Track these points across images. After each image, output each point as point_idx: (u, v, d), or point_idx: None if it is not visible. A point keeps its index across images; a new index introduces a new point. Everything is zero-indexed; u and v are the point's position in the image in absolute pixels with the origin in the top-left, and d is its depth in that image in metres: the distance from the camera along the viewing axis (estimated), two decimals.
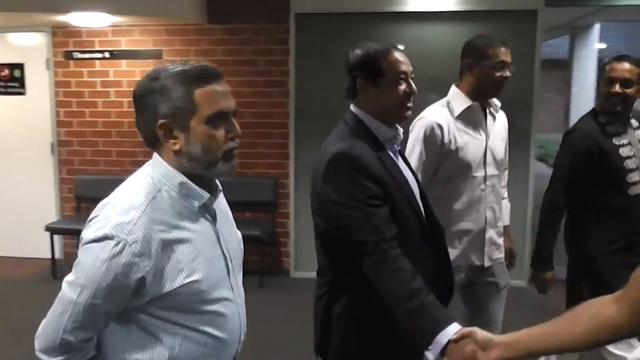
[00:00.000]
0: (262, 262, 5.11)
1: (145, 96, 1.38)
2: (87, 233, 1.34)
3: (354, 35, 4.84)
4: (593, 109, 2.80)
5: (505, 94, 2.53)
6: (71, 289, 1.34)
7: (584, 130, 2.71)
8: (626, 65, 2.64)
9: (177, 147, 1.38)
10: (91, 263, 1.31)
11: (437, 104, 2.57)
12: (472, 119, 2.51)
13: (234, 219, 1.66)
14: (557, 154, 2.84)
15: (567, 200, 2.75)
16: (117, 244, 1.29)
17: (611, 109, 2.68)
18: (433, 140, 2.44)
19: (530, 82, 4.85)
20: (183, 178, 1.40)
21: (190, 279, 1.37)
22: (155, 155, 1.43)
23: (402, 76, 1.86)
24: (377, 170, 1.78)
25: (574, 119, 10.83)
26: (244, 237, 1.67)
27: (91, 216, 1.38)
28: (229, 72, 4.94)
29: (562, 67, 11.36)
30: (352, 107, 1.92)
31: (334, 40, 5.03)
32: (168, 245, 1.35)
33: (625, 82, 2.63)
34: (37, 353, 1.41)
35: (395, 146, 1.96)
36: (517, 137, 4.90)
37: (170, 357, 1.41)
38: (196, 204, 1.42)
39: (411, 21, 5.00)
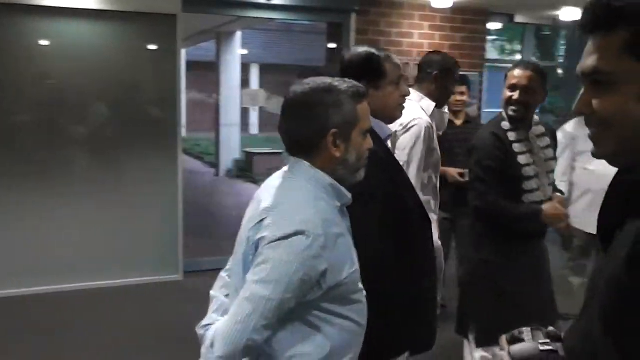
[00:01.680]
0: None
1: (316, 106, 1.48)
2: (271, 232, 1.39)
3: None
4: (500, 114, 2.76)
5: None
6: (263, 287, 1.36)
7: (490, 136, 2.69)
8: (527, 73, 2.61)
9: (338, 154, 1.50)
10: (284, 259, 1.36)
11: (414, 105, 2.73)
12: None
13: None
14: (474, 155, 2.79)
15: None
16: (307, 238, 1.37)
17: (512, 116, 2.64)
18: (428, 138, 2.71)
19: (174, 82, 5.10)
20: (332, 180, 1.52)
21: (352, 270, 1.49)
22: (299, 160, 1.52)
23: (400, 79, 2.07)
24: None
25: (223, 118, 11.81)
26: None
27: (259, 219, 1.44)
28: None
29: (213, 70, 12.13)
30: None
31: None
32: (336, 239, 1.44)
33: (526, 89, 2.59)
34: (215, 358, 1.39)
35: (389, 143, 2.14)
36: (164, 134, 5.15)
37: (331, 347, 1.47)
38: (339, 203, 1.53)
39: (47, 16, 4.76)
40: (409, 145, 2.68)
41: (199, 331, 1.60)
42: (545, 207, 2.59)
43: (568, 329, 1.00)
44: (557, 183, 3.88)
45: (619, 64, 0.83)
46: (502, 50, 19.32)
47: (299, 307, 1.43)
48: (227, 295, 1.66)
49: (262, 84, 18.66)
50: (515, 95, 2.60)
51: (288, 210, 1.44)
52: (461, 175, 3.99)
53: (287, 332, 1.46)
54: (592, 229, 3.50)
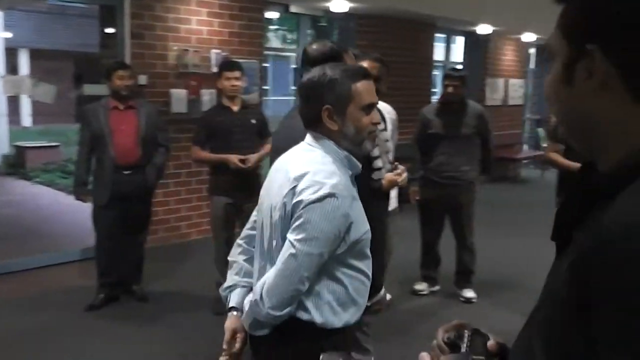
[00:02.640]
0: None
1: (313, 87, 1.75)
2: (306, 196, 1.62)
3: None
4: None
5: None
6: (305, 244, 1.61)
7: None
8: (374, 64, 3.05)
9: (335, 127, 1.74)
10: (320, 218, 1.60)
11: None
12: None
13: None
14: None
15: None
16: (336, 199, 1.61)
17: None
18: None
19: None
20: (346, 152, 1.75)
21: (366, 227, 1.75)
22: (318, 134, 1.75)
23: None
24: None
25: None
26: None
27: (291, 186, 1.66)
28: None
29: None
30: None
31: None
32: (354, 201, 1.70)
33: (376, 79, 2.61)
34: (267, 311, 1.64)
35: None
36: None
37: (348, 296, 1.74)
38: (350, 172, 1.77)
39: None
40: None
41: (223, 293, 1.92)
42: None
43: (515, 340, 0.88)
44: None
45: (554, 38, 0.80)
46: (284, 39, 20.02)
47: (327, 260, 1.67)
48: (246, 260, 1.92)
49: (33, 71, 17.02)
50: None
51: (317, 177, 1.65)
52: (242, 161, 4.06)
53: (315, 283, 1.69)
54: None
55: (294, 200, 1.65)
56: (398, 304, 4.46)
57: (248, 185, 4.18)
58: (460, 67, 8.85)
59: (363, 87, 1.76)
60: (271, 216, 1.73)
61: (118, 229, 4.29)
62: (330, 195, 1.62)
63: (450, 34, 9.93)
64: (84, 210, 4.53)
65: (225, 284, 1.91)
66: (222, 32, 6.27)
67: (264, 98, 8.09)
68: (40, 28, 16.92)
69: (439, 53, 9.85)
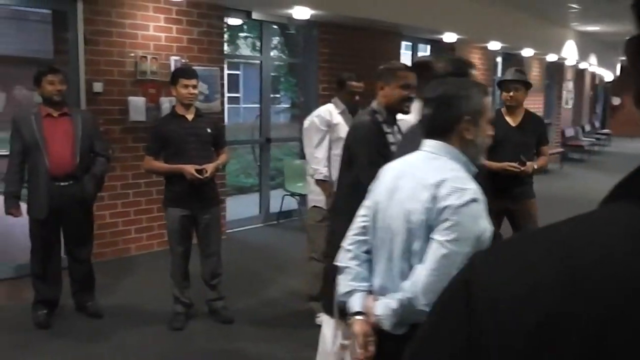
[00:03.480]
0: None
1: (453, 97, 1.90)
2: (452, 201, 1.75)
3: None
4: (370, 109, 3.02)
5: None
6: (457, 244, 1.74)
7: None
8: (412, 74, 3.02)
9: (470, 136, 1.88)
10: (468, 220, 1.76)
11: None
12: None
13: None
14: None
15: None
16: (478, 204, 1.78)
17: (406, 112, 3.03)
18: None
19: None
20: (466, 158, 1.89)
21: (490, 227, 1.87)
22: (442, 143, 1.88)
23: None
24: None
25: None
26: None
27: (432, 191, 1.78)
28: None
29: None
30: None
31: None
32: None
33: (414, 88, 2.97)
34: (422, 308, 1.75)
35: None
36: None
37: None
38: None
39: None
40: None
41: (343, 298, 1.99)
42: None
43: None
44: (319, 169, 4.05)
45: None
46: (253, 47, 19.89)
47: None
48: (358, 265, 2.00)
49: None
50: (410, 93, 2.97)
51: (457, 184, 1.78)
52: (199, 171, 3.92)
53: None
54: None
55: (439, 206, 1.78)
56: None
57: (204, 195, 4.04)
58: None
59: (488, 103, 1.95)
60: (408, 220, 1.84)
61: (58, 244, 4.09)
62: (473, 200, 1.77)
63: (415, 42, 9.93)
64: (15, 224, 4.27)
65: (342, 291, 2.00)
66: (181, 39, 6.12)
67: (235, 105, 7.95)
68: None
69: (405, 61, 9.81)
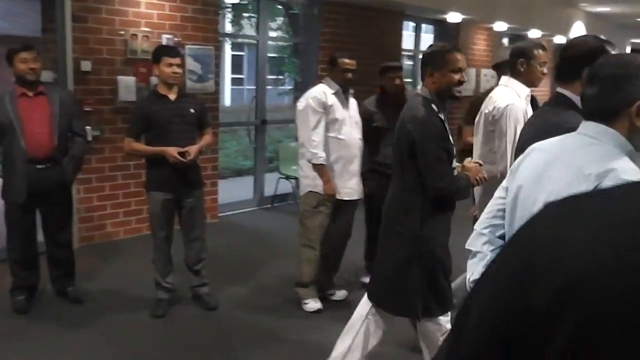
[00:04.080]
0: None
1: (628, 78, 1.61)
2: None
3: None
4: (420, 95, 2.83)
5: None
6: None
7: (435, 117, 2.78)
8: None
9: (639, 123, 1.61)
10: None
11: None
12: None
13: None
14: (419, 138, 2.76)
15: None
16: None
17: (459, 97, 2.90)
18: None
19: None
20: (631, 147, 1.63)
21: None
22: (606, 127, 1.63)
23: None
24: None
25: None
26: None
27: (594, 181, 1.53)
28: None
29: None
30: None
31: None
32: None
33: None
34: None
35: None
36: None
37: None
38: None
39: None
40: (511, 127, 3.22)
41: (472, 285, 1.84)
42: (468, 169, 2.92)
43: None
44: (317, 152, 3.90)
45: None
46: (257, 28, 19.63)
47: None
48: (492, 250, 1.87)
49: None
50: (462, 77, 2.82)
51: (625, 176, 1.54)
52: (182, 154, 3.78)
53: None
54: (341, 195, 3.64)
55: None
56: (355, 300, 4.23)
57: (188, 179, 3.92)
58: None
59: None
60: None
61: (34, 228, 3.97)
62: None
63: (419, 22, 9.69)
64: None
65: (472, 278, 1.90)
66: (174, 17, 5.94)
67: (239, 87, 7.80)
68: None
69: (408, 42, 9.60)
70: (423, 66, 2.87)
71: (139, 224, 5.85)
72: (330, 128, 3.96)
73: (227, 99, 21.92)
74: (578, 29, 14.07)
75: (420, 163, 2.74)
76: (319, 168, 3.95)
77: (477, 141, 3.52)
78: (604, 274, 0.48)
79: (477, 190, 3.45)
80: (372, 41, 7.94)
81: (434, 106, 2.79)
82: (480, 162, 3.06)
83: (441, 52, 2.82)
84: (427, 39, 10.48)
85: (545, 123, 2.17)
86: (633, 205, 0.54)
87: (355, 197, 4.13)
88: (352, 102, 4.13)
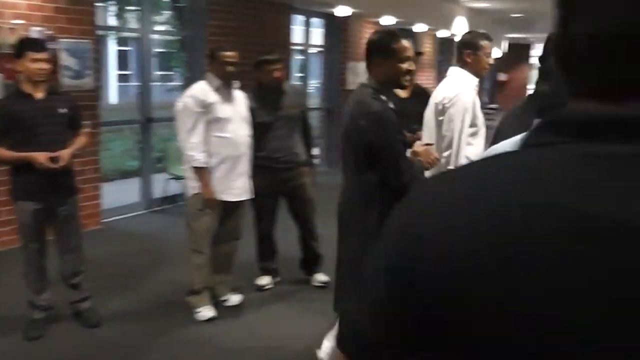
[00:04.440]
0: None
1: None
2: None
3: None
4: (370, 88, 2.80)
5: None
6: None
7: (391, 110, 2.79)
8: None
9: None
10: None
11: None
12: None
13: None
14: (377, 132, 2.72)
15: None
16: None
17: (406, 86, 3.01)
18: None
19: None
20: None
21: None
22: None
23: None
24: None
25: None
26: None
27: None
28: None
29: None
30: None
31: None
32: None
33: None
34: None
35: None
36: None
37: None
38: None
39: None
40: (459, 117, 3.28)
41: None
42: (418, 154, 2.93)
43: None
44: (194, 155, 3.66)
45: None
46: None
47: None
48: None
49: None
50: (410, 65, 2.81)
51: None
52: (52, 159, 3.42)
53: None
54: (228, 196, 3.27)
55: None
56: (250, 305, 4.07)
57: (60, 185, 3.57)
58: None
59: None
60: None
61: None
62: None
63: (309, 15, 9.63)
64: None
65: None
66: (45, 7, 5.45)
67: (126, 84, 7.34)
68: None
69: (298, 36, 9.51)
70: (369, 55, 2.82)
71: (9, 235, 5.33)
72: (213, 127, 3.75)
73: (113, 96, 20.90)
74: (460, 24, 14.66)
75: (382, 160, 2.71)
76: (197, 171, 3.74)
77: (427, 131, 3.54)
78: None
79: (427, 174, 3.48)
80: (260, 34, 7.77)
81: (383, 97, 2.75)
82: (430, 142, 3.14)
83: (388, 41, 2.78)
84: (317, 33, 10.46)
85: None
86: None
87: (243, 198, 3.96)
88: (239, 96, 3.94)
